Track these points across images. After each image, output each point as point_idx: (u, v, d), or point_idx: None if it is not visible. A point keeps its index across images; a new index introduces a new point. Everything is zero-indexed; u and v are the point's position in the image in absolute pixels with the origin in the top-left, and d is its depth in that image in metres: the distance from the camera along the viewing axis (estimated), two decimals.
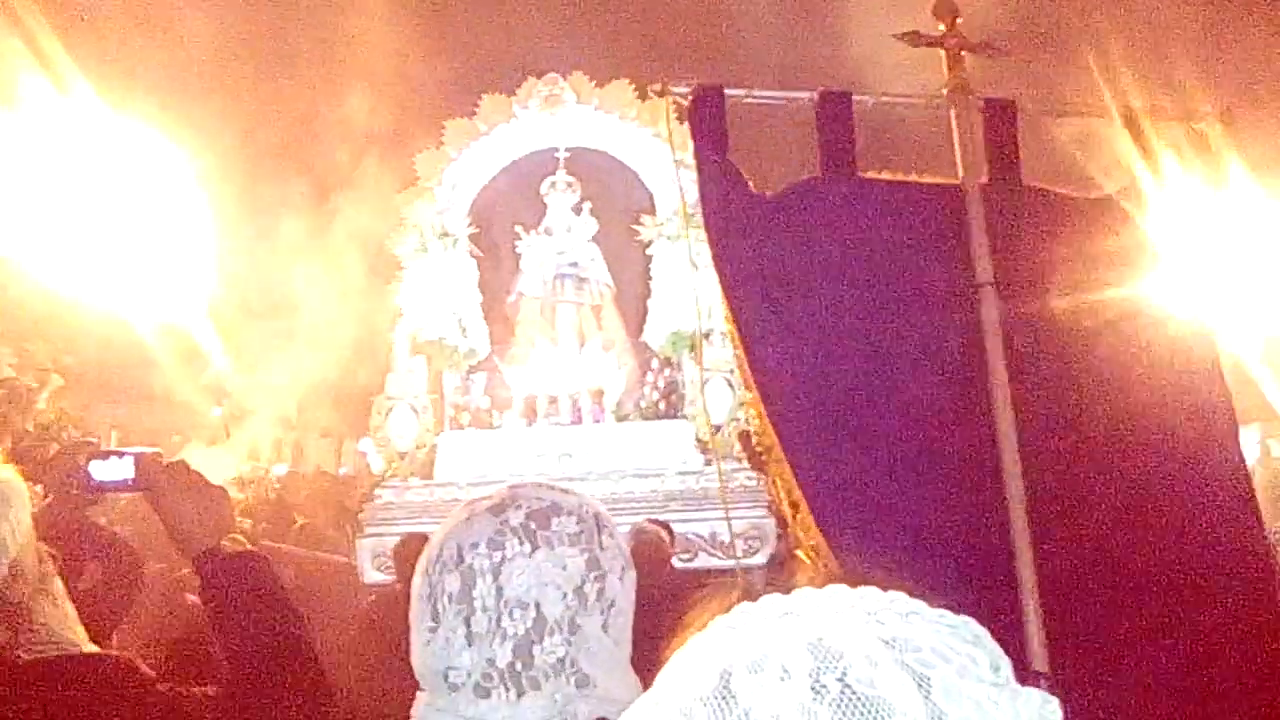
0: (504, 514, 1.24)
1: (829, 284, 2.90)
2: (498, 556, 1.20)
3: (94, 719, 1.53)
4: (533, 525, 1.23)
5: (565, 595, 1.20)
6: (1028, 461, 2.66)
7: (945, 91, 3.01)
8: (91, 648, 1.70)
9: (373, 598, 5.86)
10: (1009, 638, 0.70)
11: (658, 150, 8.51)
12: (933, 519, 2.64)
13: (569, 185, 9.39)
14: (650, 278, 8.94)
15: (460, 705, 1.19)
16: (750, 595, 0.62)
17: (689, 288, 8.27)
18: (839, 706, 0.52)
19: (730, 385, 7.73)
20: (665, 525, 5.73)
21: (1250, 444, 11.26)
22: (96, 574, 3.59)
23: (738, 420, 7.72)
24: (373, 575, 7.20)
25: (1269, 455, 12.12)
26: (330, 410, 12.29)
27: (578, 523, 1.25)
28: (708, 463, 7.90)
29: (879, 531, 2.63)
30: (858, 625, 0.57)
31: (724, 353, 7.48)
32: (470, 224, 9.10)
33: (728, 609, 0.62)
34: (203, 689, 1.62)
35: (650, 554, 5.03)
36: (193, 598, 4.01)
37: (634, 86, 8.98)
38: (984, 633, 0.59)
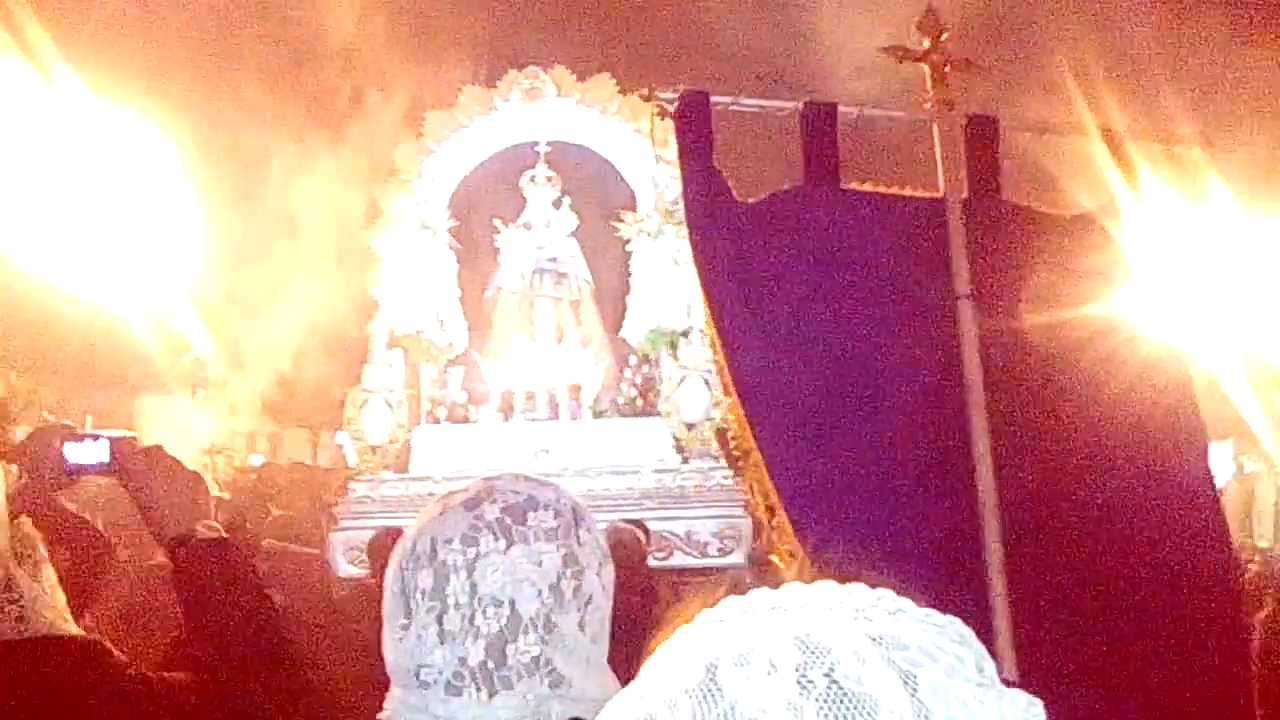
0: (479, 508, 1.22)
1: (810, 292, 2.92)
2: (472, 552, 1.18)
3: (63, 702, 1.52)
4: (508, 520, 1.21)
5: (541, 592, 1.18)
6: (1001, 472, 2.69)
7: (928, 106, 3.03)
8: (73, 629, 1.69)
9: (345, 592, 5.82)
10: None
11: (639, 146, 8.41)
12: (907, 528, 2.66)
13: (549, 179, 9.29)
14: (629, 274, 8.87)
15: (431, 703, 1.17)
16: (738, 590, 0.63)
17: (669, 284, 8.27)
18: (825, 702, 0.53)
19: (707, 384, 7.69)
20: (640, 524, 5.73)
21: (1225, 460, 11.41)
22: (64, 559, 3.54)
23: (711, 420, 7.71)
24: (346, 569, 7.12)
25: (1243, 471, 12.28)
26: (307, 401, 12.16)
27: (555, 517, 1.23)
28: (684, 460, 7.90)
29: (853, 538, 2.64)
30: (845, 621, 0.57)
31: (703, 351, 7.48)
32: (449, 217, 9.00)
33: (715, 604, 0.62)
34: (175, 674, 1.61)
35: (626, 555, 5.02)
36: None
37: (616, 82, 8.88)
38: (970, 633, 0.60)
